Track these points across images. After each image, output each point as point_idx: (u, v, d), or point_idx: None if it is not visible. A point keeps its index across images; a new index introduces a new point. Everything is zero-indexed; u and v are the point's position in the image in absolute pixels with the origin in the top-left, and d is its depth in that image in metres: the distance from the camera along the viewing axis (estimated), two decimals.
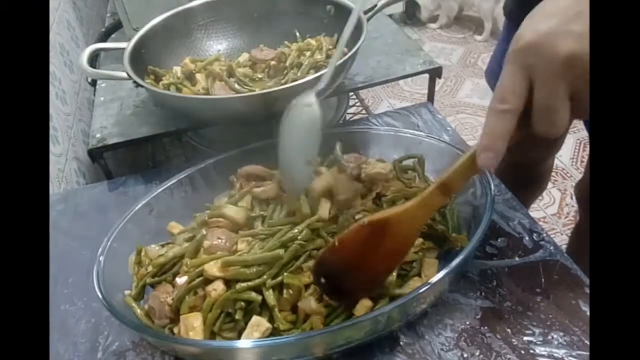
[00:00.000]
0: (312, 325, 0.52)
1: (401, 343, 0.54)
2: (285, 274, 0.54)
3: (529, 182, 1.27)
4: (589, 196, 1.04)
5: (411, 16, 3.03)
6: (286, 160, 0.60)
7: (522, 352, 0.52)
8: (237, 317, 0.52)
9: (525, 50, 0.41)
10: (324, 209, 0.59)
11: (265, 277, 0.53)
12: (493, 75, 1.08)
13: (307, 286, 0.54)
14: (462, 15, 3.04)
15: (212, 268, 0.54)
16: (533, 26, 0.41)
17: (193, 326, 0.51)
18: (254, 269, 0.53)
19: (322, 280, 0.53)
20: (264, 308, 0.53)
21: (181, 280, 0.55)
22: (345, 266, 0.52)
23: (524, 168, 1.21)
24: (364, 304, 0.52)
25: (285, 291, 0.53)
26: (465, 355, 0.52)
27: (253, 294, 0.52)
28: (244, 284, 0.52)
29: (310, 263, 0.55)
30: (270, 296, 0.53)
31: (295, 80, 0.78)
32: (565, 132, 1.14)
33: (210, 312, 0.52)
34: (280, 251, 0.54)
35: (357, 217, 0.59)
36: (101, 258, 0.57)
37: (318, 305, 0.52)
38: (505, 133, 0.43)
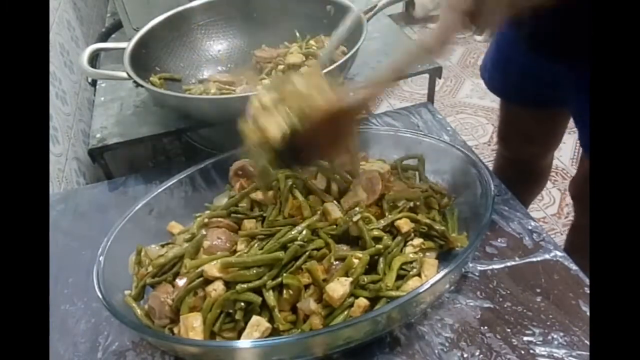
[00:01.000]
0: (311, 325, 0.52)
1: (401, 343, 0.54)
2: (284, 274, 0.54)
3: (528, 179, 1.27)
4: (583, 193, 1.04)
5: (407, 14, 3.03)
6: None
7: (522, 352, 0.52)
8: (237, 317, 0.52)
9: None
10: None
11: (265, 278, 0.53)
12: (486, 70, 1.08)
13: (306, 287, 0.54)
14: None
15: (212, 269, 0.54)
16: None
17: (193, 326, 0.51)
18: (254, 271, 0.53)
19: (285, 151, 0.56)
20: (264, 308, 0.53)
21: (181, 281, 0.55)
22: (307, 143, 0.56)
23: (523, 165, 1.22)
24: (360, 305, 0.52)
25: (285, 291, 0.53)
26: (465, 355, 0.52)
27: (253, 295, 0.52)
28: (244, 285, 0.52)
29: (310, 264, 0.55)
30: (270, 297, 0.52)
31: None
32: (562, 131, 1.14)
33: (210, 312, 0.52)
34: (280, 253, 0.54)
35: (355, 218, 0.59)
36: (101, 258, 0.57)
37: (317, 306, 0.52)
38: (454, 26, 0.52)
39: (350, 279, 0.53)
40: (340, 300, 0.52)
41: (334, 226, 0.59)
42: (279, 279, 0.54)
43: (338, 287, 0.52)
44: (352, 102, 0.56)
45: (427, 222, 0.59)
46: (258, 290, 0.53)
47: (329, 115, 0.53)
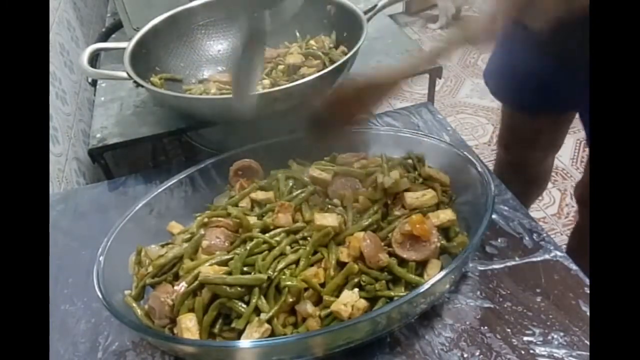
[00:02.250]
0: (307, 328, 0.52)
1: (401, 343, 0.54)
2: (283, 276, 0.54)
3: (529, 182, 1.27)
4: (588, 197, 1.04)
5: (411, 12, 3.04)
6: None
7: (522, 352, 0.52)
8: (233, 325, 0.52)
9: None
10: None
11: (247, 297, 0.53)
12: (491, 76, 1.08)
13: (305, 289, 0.54)
14: (461, 16, 3.03)
15: (208, 270, 0.54)
16: None
17: (188, 327, 0.51)
18: (236, 289, 0.53)
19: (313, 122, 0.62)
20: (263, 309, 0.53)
21: (179, 286, 0.55)
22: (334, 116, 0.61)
23: (524, 167, 1.21)
24: (359, 306, 0.52)
25: (284, 292, 0.53)
26: (465, 355, 0.52)
27: (238, 307, 0.52)
28: (223, 300, 0.53)
29: (304, 275, 0.55)
30: (263, 305, 0.52)
31: (295, 80, 0.78)
32: (563, 134, 1.14)
33: (206, 313, 0.53)
34: (263, 275, 0.53)
35: (365, 222, 0.59)
36: (101, 258, 0.57)
37: (314, 309, 0.52)
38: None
39: (357, 293, 0.52)
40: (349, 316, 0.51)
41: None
42: (273, 283, 0.54)
43: (347, 308, 0.51)
44: (386, 77, 0.60)
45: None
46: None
47: (366, 87, 0.59)
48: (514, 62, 0.98)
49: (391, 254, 0.56)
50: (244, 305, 0.52)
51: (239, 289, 0.53)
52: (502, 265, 0.60)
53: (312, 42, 0.92)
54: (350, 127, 0.68)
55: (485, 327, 0.54)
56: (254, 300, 0.52)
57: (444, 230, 0.59)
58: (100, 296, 0.53)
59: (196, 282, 0.54)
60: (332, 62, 0.78)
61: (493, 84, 1.08)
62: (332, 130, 0.63)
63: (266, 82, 0.87)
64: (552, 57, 0.87)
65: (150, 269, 0.59)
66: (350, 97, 0.60)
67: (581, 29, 0.77)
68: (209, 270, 0.54)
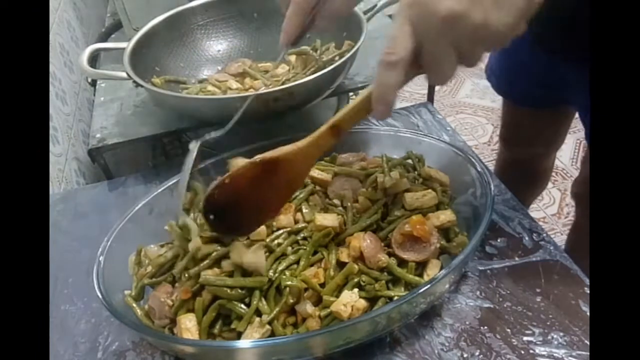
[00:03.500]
0: (307, 328, 0.52)
1: (401, 343, 0.54)
2: (283, 276, 0.54)
3: (529, 180, 1.28)
4: (585, 194, 1.04)
5: None
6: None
7: (522, 352, 0.52)
8: (233, 326, 0.52)
9: (411, 5, 0.43)
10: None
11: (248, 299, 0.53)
12: (493, 71, 1.08)
13: (305, 289, 0.54)
14: None
15: (207, 272, 0.54)
16: None
17: (187, 327, 0.51)
18: (237, 291, 0.53)
19: (211, 216, 0.54)
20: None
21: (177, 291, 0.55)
22: (236, 201, 0.53)
23: (524, 165, 1.22)
24: (359, 306, 0.52)
25: (285, 293, 0.53)
26: (465, 355, 0.52)
27: (238, 308, 0.52)
28: (223, 300, 0.53)
29: (303, 276, 0.54)
30: (264, 307, 0.52)
31: (296, 80, 0.78)
32: (565, 130, 1.14)
33: (205, 314, 0.53)
34: (264, 278, 0.53)
35: (365, 223, 0.59)
36: (101, 258, 0.57)
37: (314, 310, 0.52)
38: (396, 84, 0.45)
39: (357, 294, 0.52)
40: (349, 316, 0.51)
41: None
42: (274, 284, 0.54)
43: (347, 308, 0.51)
44: (282, 154, 0.52)
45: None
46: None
47: (261, 166, 0.51)
48: (515, 56, 0.98)
49: (391, 254, 0.56)
50: (244, 307, 0.52)
51: (239, 291, 0.53)
52: (502, 265, 0.60)
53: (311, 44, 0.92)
54: (268, 216, 0.57)
55: (485, 327, 0.54)
56: (254, 303, 0.52)
57: (444, 231, 0.59)
58: (100, 296, 0.53)
59: (197, 286, 0.54)
60: (330, 62, 0.78)
61: (495, 79, 1.08)
62: (241, 220, 0.55)
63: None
64: (552, 52, 0.87)
65: (149, 269, 0.59)
66: (260, 175, 0.52)
67: (581, 24, 0.77)
68: (208, 272, 0.54)
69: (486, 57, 0.90)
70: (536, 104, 1.04)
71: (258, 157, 0.51)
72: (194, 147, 0.61)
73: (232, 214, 0.54)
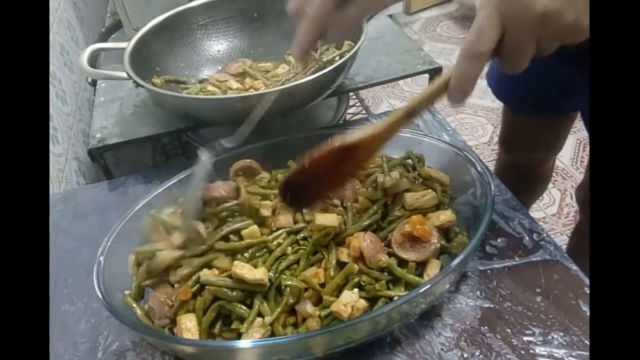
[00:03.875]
0: (307, 328, 0.52)
1: (401, 343, 0.54)
2: (283, 276, 0.54)
3: (530, 183, 1.27)
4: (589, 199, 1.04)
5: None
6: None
7: (522, 352, 0.52)
8: (233, 326, 0.52)
9: (504, 1, 0.43)
10: None
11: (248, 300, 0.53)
12: (493, 77, 1.08)
13: (305, 289, 0.54)
14: (460, 15, 3.04)
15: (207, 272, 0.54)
16: None
17: (187, 327, 0.51)
18: (238, 293, 0.53)
19: (288, 196, 0.56)
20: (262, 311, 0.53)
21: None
22: (311, 182, 0.55)
23: (524, 169, 1.21)
24: (359, 306, 0.52)
25: (285, 293, 0.53)
26: (465, 355, 0.52)
27: (239, 310, 0.52)
28: (222, 301, 0.53)
29: (304, 276, 0.55)
30: (265, 308, 0.52)
31: (296, 80, 0.78)
32: (565, 135, 1.14)
33: (205, 314, 0.53)
34: (265, 278, 0.53)
35: (365, 223, 0.59)
36: (101, 258, 0.57)
37: (314, 309, 0.52)
38: (476, 75, 0.45)
39: (357, 294, 0.52)
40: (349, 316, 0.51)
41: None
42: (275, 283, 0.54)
43: (347, 308, 0.51)
44: (361, 139, 0.53)
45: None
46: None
47: (338, 151, 0.52)
48: None
49: (391, 254, 0.56)
50: (244, 307, 0.52)
51: (240, 292, 0.53)
52: (502, 265, 0.60)
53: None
54: (333, 192, 0.61)
55: (485, 327, 0.54)
56: (256, 305, 0.52)
57: (444, 231, 0.59)
58: (100, 296, 0.53)
59: (197, 286, 0.54)
60: (331, 62, 0.78)
61: (495, 85, 1.08)
62: (310, 197, 0.58)
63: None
64: (552, 57, 0.87)
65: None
66: (333, 161, 0.54)
67: None
68: (208, 272, 0.54)
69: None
70: (535, 111, 1.04)
71: (337, 143, 0.53)
72: (206, 159, 0.60)
73: (306, 192, 0.56)
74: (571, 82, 0.87)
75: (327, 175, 0.55)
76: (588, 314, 0.54)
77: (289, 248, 0.57)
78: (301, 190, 0.56)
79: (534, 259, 0.60)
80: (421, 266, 0.56)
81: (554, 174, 1.86)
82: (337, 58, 0.80)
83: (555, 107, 0.98)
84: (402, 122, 0.53)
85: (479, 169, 0.61)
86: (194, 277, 0.54)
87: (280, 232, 0.59)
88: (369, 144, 0.54)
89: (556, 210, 1.78)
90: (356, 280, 0.54)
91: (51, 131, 0.89)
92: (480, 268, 0.60)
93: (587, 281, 0.57)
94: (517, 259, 0.61)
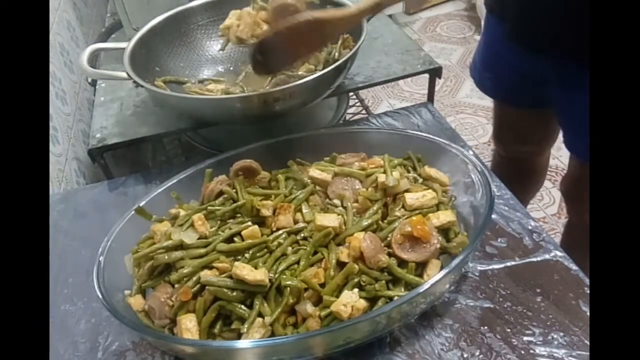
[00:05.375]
0: (307, 328, 0.52)
1: (401, 343, 0.54)
2: (283, 276, 0.54)
3: (525, 178, 1.28)
4: (573, 191, 1.05)
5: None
6: None
7: (522, 352, 0.52)
8: (233, 326, 0.52)
9: None
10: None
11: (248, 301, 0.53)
12: (475, 69, 1.09)
13: (305, 289, 0.54)
14: (460, 13, 3.04)
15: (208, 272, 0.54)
16: None
17: (187, 327, 0.51)
18: (238, 293, 0.53)
19: (259, 57, 0.65)
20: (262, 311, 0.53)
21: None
22: (281, 46, 0.63)
23: (519, 163, 1.22)
24: (359, 306, 0.52)
25: (285, 293, 0.53)
26: (465, 355, 0.52)
27: (239, 310, 0.52)
28: (223, 302, 0.53)
29: (304, 276, 0.55)
30: (265, 309, 0.52)
31: (296, 80, 0.78)
32: (554, 128, 1.14)
33: (205, 314, 0.53)
34: (265, 278, 0.53)
35: (365, 223, 0.59)
36: (101, 258, 0.57)
37: (314, 309, 0.52)
38: None
39: (357, 294, 0.52)
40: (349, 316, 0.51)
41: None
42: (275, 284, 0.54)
43: (347, 308, 0.51)
44: (330, 16, 0.63)
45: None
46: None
47: (307, 24, 0.61)
48: (495, 54, 0.99)
49: (391, 255, 0.56)
50: (245, 308, 0.52)
51: (240, 292, 0.53)
52: (502, 266, 0.60)
53: None
54: (297, 60, 0.71)
55: (485, 327, 0.54)
56: (256, 306, 0.52)
57: (444, 231, 0.59)
58: (100, 296, 0.53)
59: (198, 286, 0.54)
60: (332, 61, 0.78)
61: (477, 77, 1.09)
62: (277, 62, 0.66)
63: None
64: (525, 48, 0.88)
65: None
66: (304, 30, 0.62)
67: (557, 18, 0.78)
68: (208, 273, 0.54)
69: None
70: (519, 101, 1.04)
71: (310, 15, 0.62)
72: None
73: (275, 56, 0.64)
74: (540, 69, 0.88)
75: (294, 44, 0.63)
76: (588, 314, 0.54)
77: (289, 248, 0.57)
78: (269, 54, 0.64)
79: (534, 259, 0.60)
80: (421, 266, 0.56)
81: (553, 174, 1.86)
82: (336, 55, 0.80)
83: (533, 97, 0.98)
84: (369, 11, 0.64)
85: (479, 169, 0.61)
86: (195, 278, 0.54)
87: (280, 232, 0.59)
88: (336, 23, 0.63)
89: (556, 210, 1.78)
90: (356, 280, 0.54)
91: (51, 131, 0.89)
92: (480, 268, 0.60)
93: (587, 281, 0.57)
94: (517, 259, 0.61)
